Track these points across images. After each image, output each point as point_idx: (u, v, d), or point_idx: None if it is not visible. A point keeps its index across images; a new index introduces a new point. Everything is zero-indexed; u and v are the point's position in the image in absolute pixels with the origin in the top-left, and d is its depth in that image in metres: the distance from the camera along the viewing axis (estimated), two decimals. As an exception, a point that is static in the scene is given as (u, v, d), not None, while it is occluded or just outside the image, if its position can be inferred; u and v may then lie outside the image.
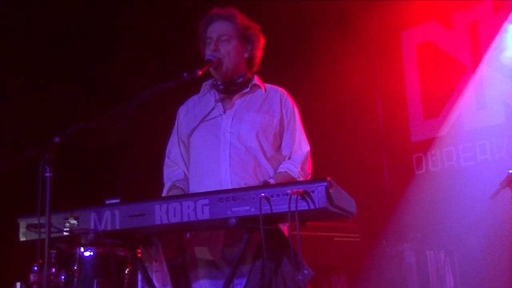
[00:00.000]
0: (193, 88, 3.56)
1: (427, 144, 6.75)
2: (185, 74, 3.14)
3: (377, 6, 6.59)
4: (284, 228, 3.04)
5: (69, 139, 2.79)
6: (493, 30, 6.27)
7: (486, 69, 6.35)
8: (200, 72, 3.19)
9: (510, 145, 6.08)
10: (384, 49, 7.04)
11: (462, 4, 6.52)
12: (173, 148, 3.49)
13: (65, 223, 2.82)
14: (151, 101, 3.12)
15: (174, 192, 3.34)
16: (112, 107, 2.97)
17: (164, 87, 3.08)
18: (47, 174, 2.69)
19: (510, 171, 4.58)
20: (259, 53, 3.45)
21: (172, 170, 3.46)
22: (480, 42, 6.39)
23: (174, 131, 3.52)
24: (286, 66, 6.49)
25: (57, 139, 2.73)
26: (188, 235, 3.26)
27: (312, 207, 2.52)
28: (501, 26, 6.23)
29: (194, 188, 3.30)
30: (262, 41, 3.46)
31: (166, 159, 3.52)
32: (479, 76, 6.40)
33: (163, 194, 3.39)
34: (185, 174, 3.44)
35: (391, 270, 6.01)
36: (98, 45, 6.13)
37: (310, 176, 3.34)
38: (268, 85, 3.48)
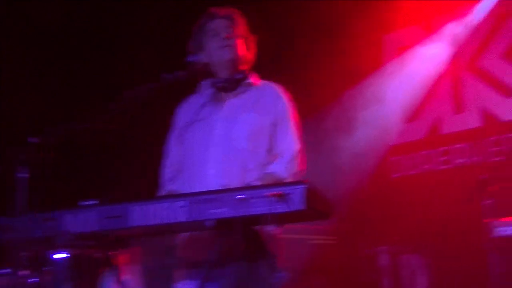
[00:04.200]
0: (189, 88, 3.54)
1: (404, 147, 6.79)
2: (165, 75, 3.12)
3: (359, 10, 6.61)
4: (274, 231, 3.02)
5: (53, 140, 2.76)
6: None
7: (463, 74, 6.41)
8: (185, 74, 3.17)
9: (487, 149, 6.14)
10: (366, 53, 7.06)
11: (443, 10, 6.57)
12: (172, 149, 3.45)
13: (40, 225, 2.79)
14: (140, 101, 3.09)
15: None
16: (100, 108, 2.95)
17: (148, 87, 3.06)
18: (21, 175, 2.66)
19: (480, 177, 4.65)
20: (255, 50, 3.42)
21: (167, 172, 3.42)
22: (458, 47, 6.45)
23: (172, 131, 3.48)
24: (270, 67, 6.46)
25: (35, 140, 2.70)
26: (180, 236, 3.23)
27: (289, 209, 2.51)
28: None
29: (185, 189, 3.23)
30: (255, 38, 3.42)
31: (164, 160, 3.47)
32: (456, 81, 6.46)
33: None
34: (178, 176, 3.41)
35: (365, 273, 6.04)
36: (97, 44, 6.10)
37: (303, 173, 3.23)
38: (264, 82, 3.41)
